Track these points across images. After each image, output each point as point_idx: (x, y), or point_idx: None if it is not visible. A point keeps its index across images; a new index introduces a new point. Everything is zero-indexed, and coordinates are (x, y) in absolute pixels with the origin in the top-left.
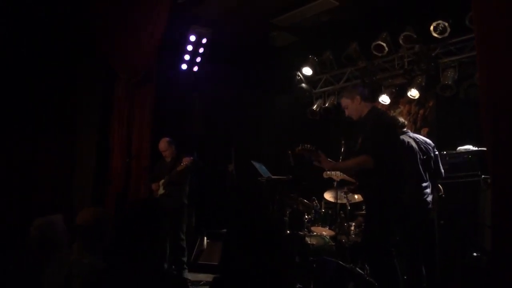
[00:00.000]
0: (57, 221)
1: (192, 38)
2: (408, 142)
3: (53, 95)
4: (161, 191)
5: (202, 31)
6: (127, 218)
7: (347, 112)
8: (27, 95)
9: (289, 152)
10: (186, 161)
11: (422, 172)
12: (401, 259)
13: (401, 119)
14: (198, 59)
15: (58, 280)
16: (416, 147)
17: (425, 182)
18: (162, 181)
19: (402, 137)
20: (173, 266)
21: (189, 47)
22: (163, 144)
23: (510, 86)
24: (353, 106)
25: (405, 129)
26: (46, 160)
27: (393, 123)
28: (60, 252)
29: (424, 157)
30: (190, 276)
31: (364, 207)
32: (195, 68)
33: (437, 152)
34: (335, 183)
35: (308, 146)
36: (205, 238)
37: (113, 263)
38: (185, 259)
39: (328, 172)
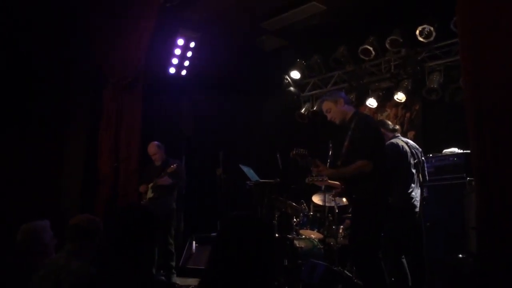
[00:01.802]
0: (44, 227)
1: (180, 41)
2: (403, 146)
3: (41, 99)
4: (149, 194)
5: (190, 34)
6: (121, 223)
7: (329, 116)
8: (15, 98)
9: (278, 155)
10: (174, 162)
11: (414, 176)
12: (387, 261)
13: (391, 123)
14: (187, 63)
15: (46, 286)
16: (409, 151)
17: (415, 186)
18: (151, 184)
19: (395, 140)
20: (162, 271)
21: (177, 51)
22: (152, 148)
23: (493, 89)
24: (336, 109)
25: (396, 133)
26: (34, 164)
27: (381, 127)
28: (47, 257)
29: (415, 161)
30: (178, 280)
31: (350, 210)
32: (184, 72)
33: (423, 158)
34: (322, 187)
35: (302, 150)
36: (194, 242)
37: (103, 268)
38: (173, 263)
39: (311, 178)
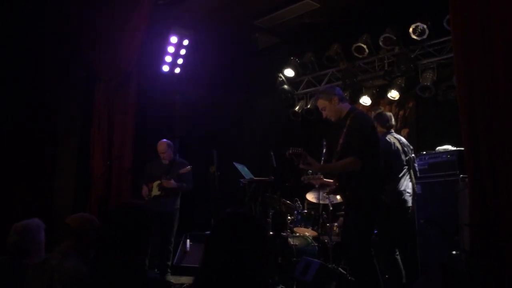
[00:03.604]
0: (38, 226)
1: (174, 39)
2: (394, 143)
3: (32, 98)
4: (155, 192)
5: (183, 32)
6: (116, 222)
7: (324, 114)
8: (5, 97)
9: (271, 153)
10: (182, 162)
11: (405, 173)
12: (381, 258)
13: (390, 117)
14: (180, 61)
15: (40, 285)
16: (400, 148)
17: (407, 183)
18: (158, 182)
19: (388, 137)
20: (156, 269)
21: (171, 49)
22: (162, 146)
23: (486, 87)
24: (331, 107)
25: (390, 130)
26: (26, 164)
27: (375, 120)
28: (40, 256)
29: (407, 158)
30: (172, 279)
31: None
32: (177, 70)
33: (413, 155)
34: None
35: (298, 149)
36: (188, 240)
37: (97, 267)
38: (169, 262)
39: (307, 176)
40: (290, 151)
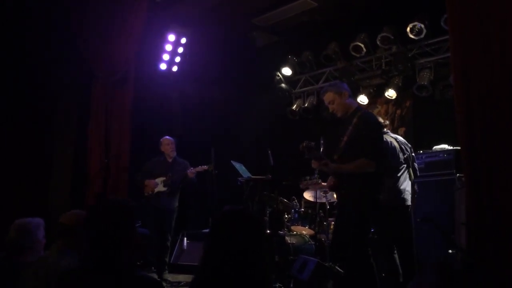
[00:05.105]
0: (38, 224)
1: (171, 37)
2: (391, 142)
3: (29, 96)
4: (160, 188)
5: (181, 30)
6: (98, 217)
7: (331, 108)
8: (2, 96)
9: (269, 152)
10: (183, 162)
11: (404, 171)
12: (379, 256)
13: (381, 120)
14: (178, 59)
15: (36, 283)
16: (398, 147)
17: (406, 181)
18: (163, 178)
19: (384, 137)
20: (153, 267)
21: (168, 47)
22: (170, 143)
23: (485, 87)
24: (340, 101)
25: (385, 129)
26: (22, 163)
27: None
28: (38, 254)
29: (405, 156)
30: (170, 277)
31: (335, 204)
32: (175, 68)
33: (413, 154)
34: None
35: (312, 144)
36: (185, 238)
37: (83, 263)
38: (167, 259)
39: (305, 182)
40: (304, 144)
